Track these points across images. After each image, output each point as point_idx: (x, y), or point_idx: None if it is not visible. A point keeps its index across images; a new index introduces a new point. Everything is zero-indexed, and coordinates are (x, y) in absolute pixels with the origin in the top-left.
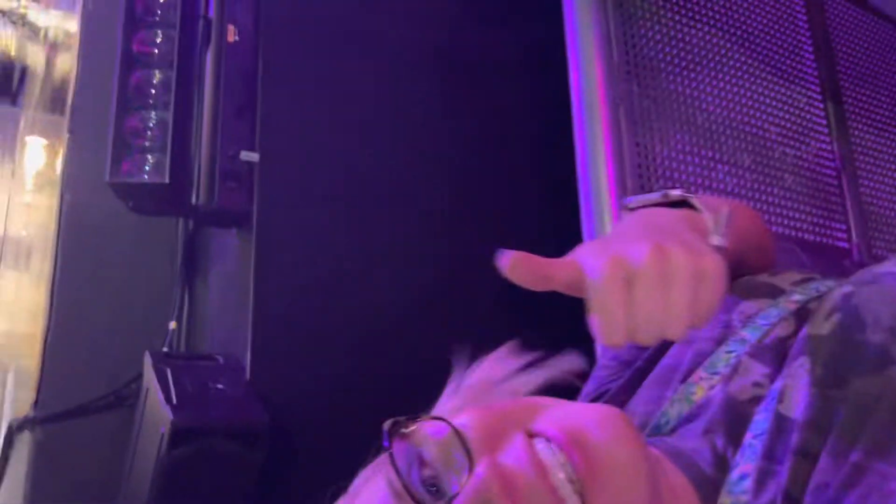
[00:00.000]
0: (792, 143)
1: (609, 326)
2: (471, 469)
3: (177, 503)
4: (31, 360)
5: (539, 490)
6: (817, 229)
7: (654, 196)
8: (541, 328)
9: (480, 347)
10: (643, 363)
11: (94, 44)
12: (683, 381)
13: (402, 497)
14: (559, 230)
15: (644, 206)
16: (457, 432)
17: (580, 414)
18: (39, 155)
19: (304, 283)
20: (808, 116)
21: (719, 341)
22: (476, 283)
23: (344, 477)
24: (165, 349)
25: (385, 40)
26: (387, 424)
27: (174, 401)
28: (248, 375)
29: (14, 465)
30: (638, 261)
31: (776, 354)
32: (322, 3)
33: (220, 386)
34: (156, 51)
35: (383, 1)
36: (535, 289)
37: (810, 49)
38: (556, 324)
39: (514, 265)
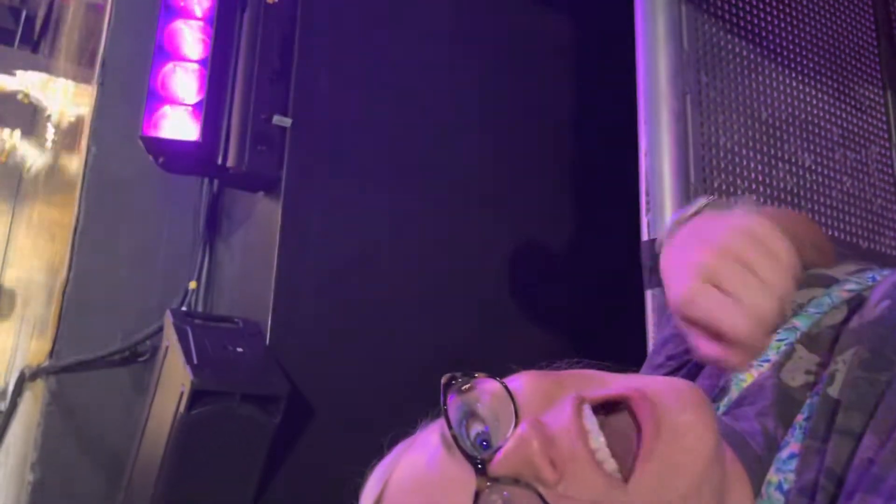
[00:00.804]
0: (853, 145)
1: (729, 320)
2: (516, 426)
3: (193, 461)
4: (48, 309)
5: (578, 451)
6: (871, 236)
7: (688, 210)
8: (575, 313)
9: (508, 331)
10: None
11: None
12: None
13: (451, 448)
14: (618, 219)
15: (678, 223)
16: (508, 391)
17: (655, 381)
18: (65, 104)
19: (329, 253)
20: (870, 121)
21: None
22: (508, 264)
23: (357, 445)
24: (184, 308)
25: (432, 15)
26: (444, 378)
27: (195, 361)
28: (267, 341)
29: (27, 414)
30: (704, 263)
31: (827, 342)
32: None
33: (239, 349)
34: (195, 7)
35: None
36: None
37: (876, 53)
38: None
39: None
